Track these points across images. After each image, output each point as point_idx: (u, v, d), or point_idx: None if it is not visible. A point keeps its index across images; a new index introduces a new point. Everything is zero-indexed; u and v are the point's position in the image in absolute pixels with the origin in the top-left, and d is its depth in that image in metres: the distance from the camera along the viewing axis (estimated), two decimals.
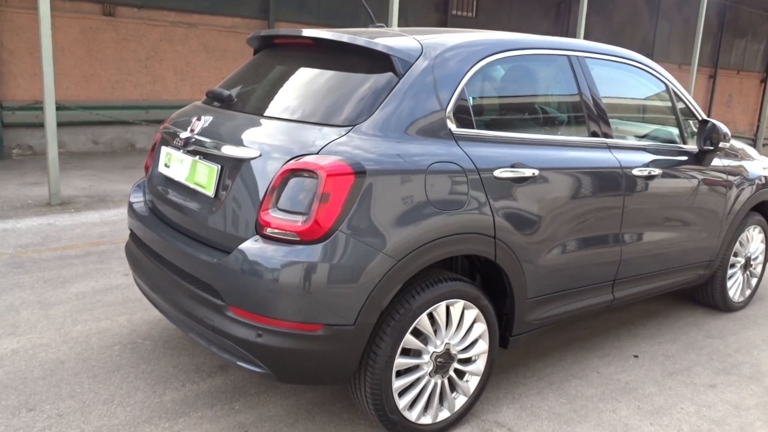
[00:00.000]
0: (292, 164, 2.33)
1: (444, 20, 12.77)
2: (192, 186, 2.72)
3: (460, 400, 2.79)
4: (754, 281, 4.47)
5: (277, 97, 2.78)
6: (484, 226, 2.63)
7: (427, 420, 2.69)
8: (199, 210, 2.64)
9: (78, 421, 2.71)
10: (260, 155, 2.43)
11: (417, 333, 2.57)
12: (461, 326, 2.70)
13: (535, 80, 3.18)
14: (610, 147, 3.22)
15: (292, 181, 2.32)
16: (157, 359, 3.26)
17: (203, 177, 2.65)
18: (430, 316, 2.58)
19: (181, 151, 2.81)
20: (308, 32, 2.84)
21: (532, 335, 3.08)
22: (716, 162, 3.84)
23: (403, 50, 2.62)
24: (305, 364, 2.37)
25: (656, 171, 3.40)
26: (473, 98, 2.76)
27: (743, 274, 4.33)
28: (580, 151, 3.07)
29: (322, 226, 2.28)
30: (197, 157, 2.70)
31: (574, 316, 3.26)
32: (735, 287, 4.29)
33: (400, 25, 11.85)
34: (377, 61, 2.62)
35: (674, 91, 3.70)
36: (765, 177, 4.22)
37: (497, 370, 3.33)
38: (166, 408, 2.84)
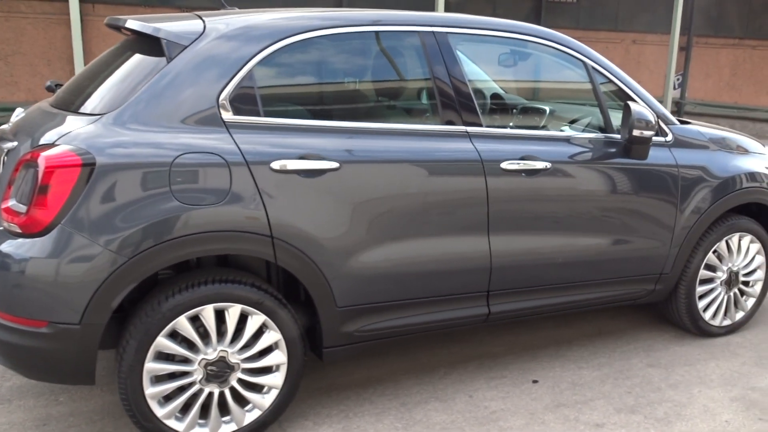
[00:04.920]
0: (26, 155, 2.26)
1: (538, 7, 11.97)
2: None
3: (253, 414, 2.56)
4: (750, 302, 3.63)
5: (72, 88, 2.72)
6: (253, 223, 2.37)
7: None
8: None
9: None
10: (15, 146, 2.40)
11: (185, 338, 2.39)
12: (242, 333, 2.47)
13: (359, 62, 2.81)
14: (471, 136, 2.77)
15: (24, 173, 2.25)
16: None
17: None
18: (196, 320, 2.39)
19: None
20: (115, 19, 2.76)
21: (365, 348, 2.75)
22: (662, 154, 3.16)
23: (177, 33, 2.45)
24: (38, 361, 2.30)
25: (544, 165, 2.86)
26: (265, 83, 2.51)
27: (726, 293, 3.53)
28: (415, 141, 2.66)
29: (40, 220, 2.19)
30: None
31: (431, 329, 2.86)
32: (713, 308, 3.51)
33: (484, 12, 11.33)
34: (154, 45, 2.47)
35: (595, 69, 3.08)
36: (749, 174, 3.39)
37: (358, 382, 3.02)
38: None
